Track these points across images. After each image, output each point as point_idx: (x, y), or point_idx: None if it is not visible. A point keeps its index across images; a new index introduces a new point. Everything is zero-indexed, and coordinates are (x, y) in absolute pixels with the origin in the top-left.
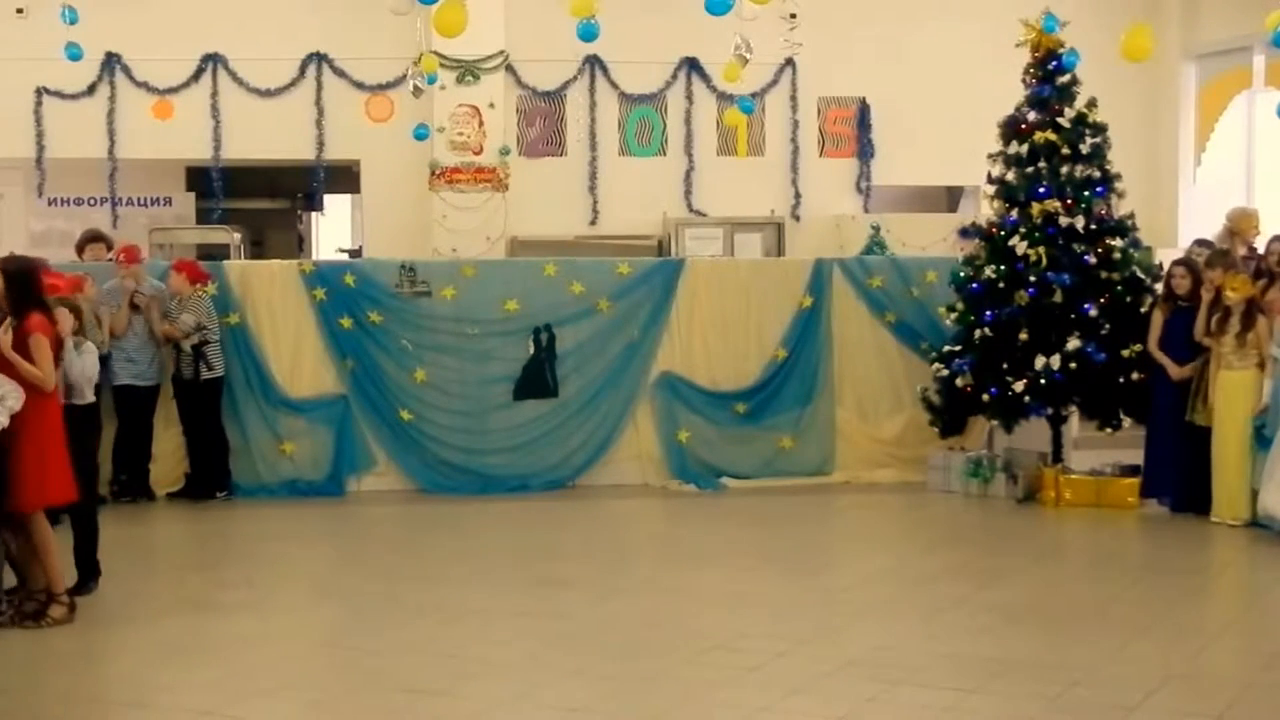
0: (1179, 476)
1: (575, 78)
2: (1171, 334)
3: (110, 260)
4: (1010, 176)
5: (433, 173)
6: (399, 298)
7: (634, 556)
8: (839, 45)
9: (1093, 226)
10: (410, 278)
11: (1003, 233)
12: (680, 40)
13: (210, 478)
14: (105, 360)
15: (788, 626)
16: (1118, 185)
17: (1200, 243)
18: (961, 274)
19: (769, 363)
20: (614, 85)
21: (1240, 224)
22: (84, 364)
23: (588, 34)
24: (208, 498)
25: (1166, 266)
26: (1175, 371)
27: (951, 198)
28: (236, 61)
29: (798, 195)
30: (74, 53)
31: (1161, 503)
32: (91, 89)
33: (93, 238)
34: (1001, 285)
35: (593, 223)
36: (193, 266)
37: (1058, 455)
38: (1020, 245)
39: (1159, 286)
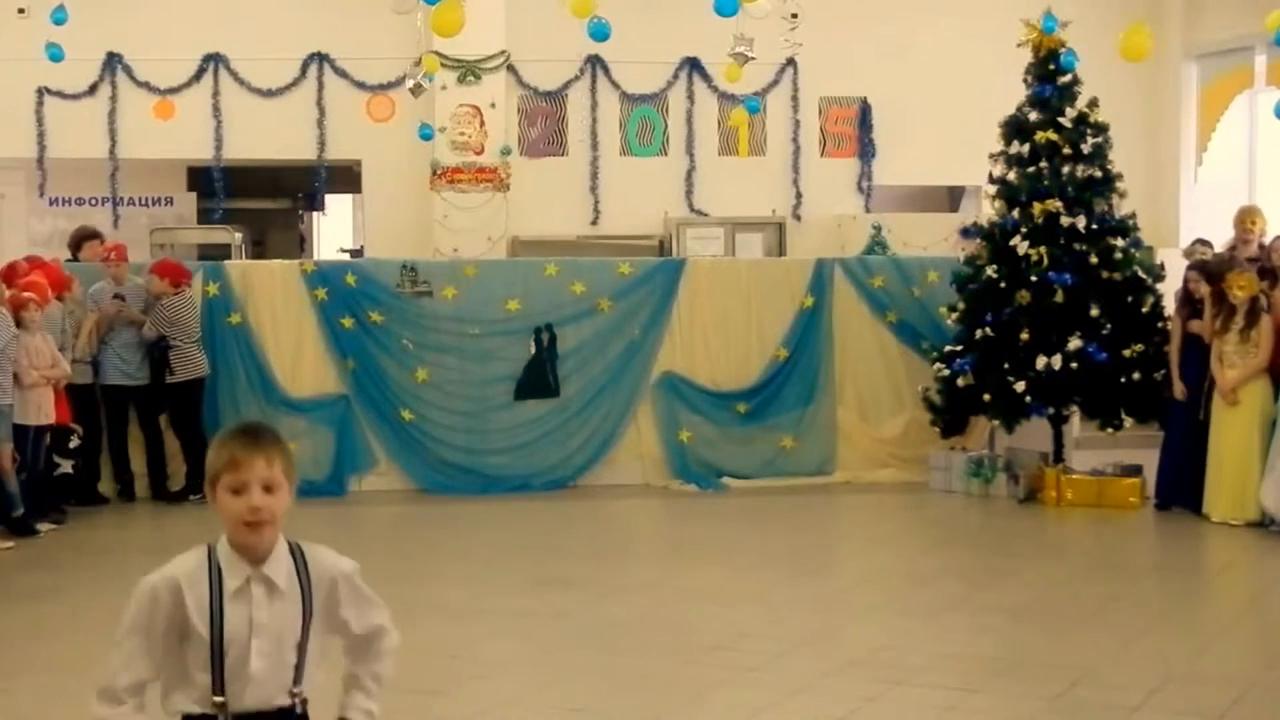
0: (1194, 477)
1: (576, 78)
2: (1190, 340)
3: (102, 262)
4: (1011, 176)
5: (434, 172)
6: (400, 297)
7: (635, 556)
8: (840, 45)
9: (1094, 226)
10: (411, 277)
11: (1004, 232)
12: (682, 40)
13: (187, 480)
14: (96, 360)
15: (788, 626)
16: (1119, 185)
17: (1201, 242)
18: (963, 274)
19: (770, 363)
20: (615, 85)
21: (1241, 221)
22: None
23: (599, 33)
24: (181, 500)
25: (1168, 266)
26: (1180, 391)
27: (953, 197)
28: (238, 61)
29: (799, 195)
30: (54, 53)
31: (1166, 507)
32: (93, 89)
33: (89, 235)
34: (1003, 285)
35: (594, 222)
36: (173, 269)
37: (1059, 455)
38: (1021, 245)
39: (1160, 286)
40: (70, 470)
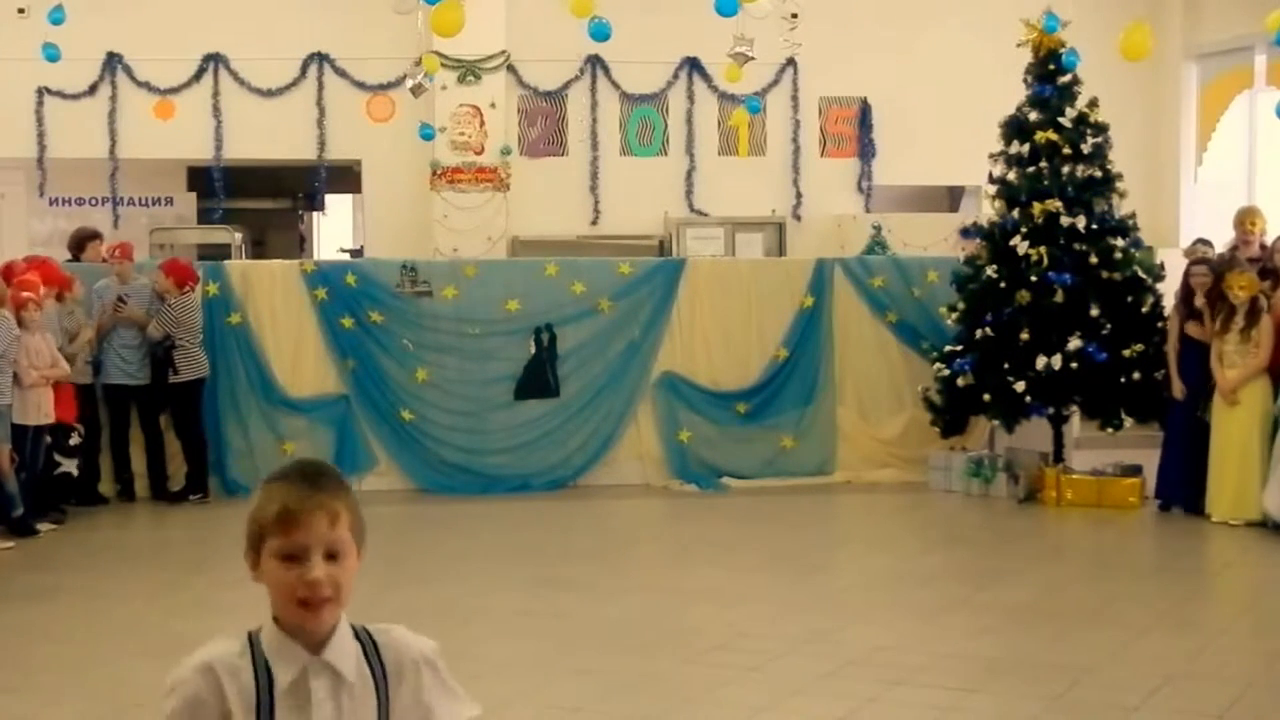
0: (1193, 476)
1: (576, 77)
2: (1189, 338)
3: (106, 260)
4: (1011, 176)
5: (434, 172)
6: (400, 297)
7: (635, 556)
8: (840, 45)
9: (1094, 226)
10: (411, 277)
11: (1004, 233)
12: (682, 40)
13: (187, 480)
14: (97, 360)
15: (788, 626)
16: (1119, 185)
17: (1202, 242)
18: (963, 274)
19: (770, 362)
20: (615, 85)
21: (1241, 222)
22: None
23: (600, 33)
24: (181, 500)
25: (1168, 266)
26: (1179, 390)
27: (953, 197)
28: (238, 61)
29: (799, 195)
30: (50, 53)
31: (1167, 508)
32: (93, 89)
33: (91, 235)
34: (1003, 285)
35: (594, 222)
36: (181, 270)
37: (1059, 455)
38: (1021, 245)
39: (1160, 286)
40: (74, 471)
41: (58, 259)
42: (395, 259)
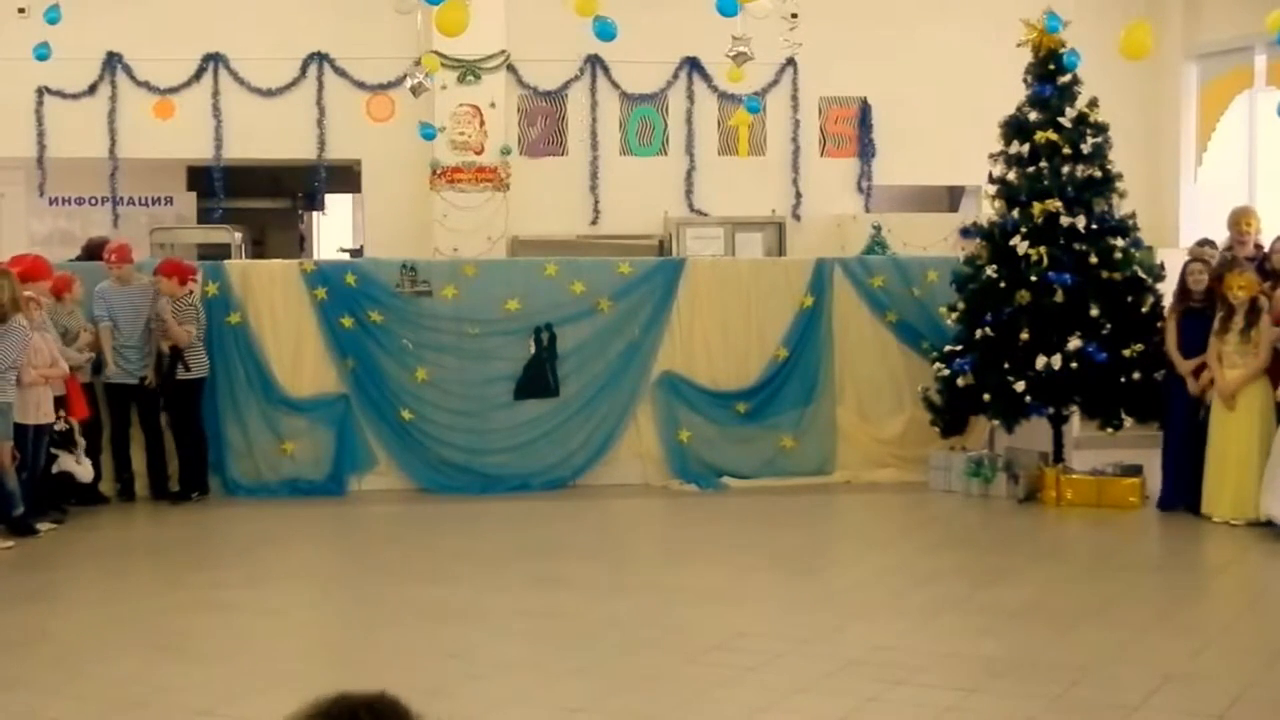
0: (1194, 477)
1: (576, 77)
2: (1188, 336)
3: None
4: (1011, 176)
5: (434, 172)
6: (400, 297)
7: (634, 556)
8: (840, 45)
9: (1094, 226)
10: (411, 277)
11: (1004, 233)
12: (682, 40)
13: (187, 479)
14: (98, 359)
15: (788, 626)
16: (1119, 185)
17: (1206, 242)
18: (963, 274)
19: (770, 362)
20: (615, 85)
21: (1236, 223)
22: None
23: (604, 33)
24: (183, 499)
25: (1168, 266)
26: (1186, 368)
27: (953, 197)
28: (238, 61)
29: (799, 195)
30: (41, 53)
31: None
32: (93, 89)
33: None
34: (1003, 285)
35: (594, 222)
36: (178, 267)
37: (1059, 455)
38: (1021, 245)
39: (1160, 286)
40: (85, 472)
41: (57, 259)
42: (395, 259)
